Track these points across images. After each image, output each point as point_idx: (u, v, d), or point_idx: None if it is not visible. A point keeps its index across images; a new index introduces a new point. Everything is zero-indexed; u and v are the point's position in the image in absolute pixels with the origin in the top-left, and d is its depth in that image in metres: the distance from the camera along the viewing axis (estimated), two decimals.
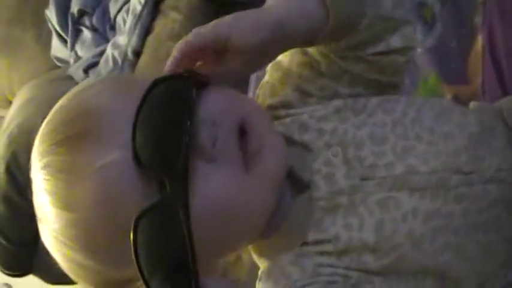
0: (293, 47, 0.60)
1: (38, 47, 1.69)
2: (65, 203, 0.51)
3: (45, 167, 0.52)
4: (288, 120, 0.62)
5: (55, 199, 0.51)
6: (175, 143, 0.49)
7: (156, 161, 0.49)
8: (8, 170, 1.24)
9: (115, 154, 0.49)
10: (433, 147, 0.59)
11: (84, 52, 1.44)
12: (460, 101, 0.78)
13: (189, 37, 0.55)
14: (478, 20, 1.01)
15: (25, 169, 1.22)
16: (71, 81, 1.41)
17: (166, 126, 0.50)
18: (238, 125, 0.53)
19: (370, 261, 0.56)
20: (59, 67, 1.61)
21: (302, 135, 0.61)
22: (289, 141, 0.61)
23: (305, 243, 0.58)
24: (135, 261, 0.49)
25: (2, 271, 1.30)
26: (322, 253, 0.57)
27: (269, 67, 0.66)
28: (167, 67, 0.55)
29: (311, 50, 0.62)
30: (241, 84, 0.68)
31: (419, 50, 1.05)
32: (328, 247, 0.57)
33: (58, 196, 0.51)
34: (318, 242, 0.57)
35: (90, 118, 0.51)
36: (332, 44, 0.59)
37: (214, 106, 0.53)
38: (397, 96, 0.65)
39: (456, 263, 0.56)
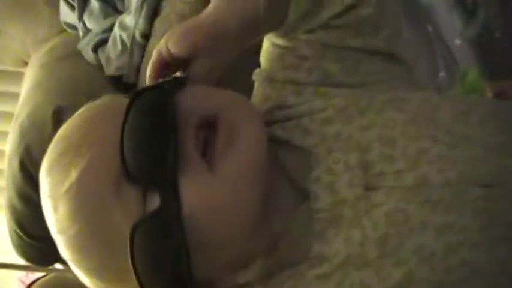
0: (245, 39, 0.59)
1: (49, 9, 1.60)
2: (56, 227, 0.53)
3: (43, 194, 0.56)
4: (290, 124, 0.59)
5: (51, 224, 0.54)
6: (162, 154, 0.50)
7: (145, 173, 0.50)
8: (23, 167, 1.20)
9: (98, 170, 0.51)
10: (450, 152, 0.53)
11: (93, 24, 1.34)
12: (507, 98, 0.69)
13: (152, 58, 0.59)
14: None
15: (39, 166, 1.19)
16: (80, 60, 1.33)
17: (150, 138, 0.51)
18: (201, 122, 0.52)
19: (372, 280, 0.51)
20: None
21: (304, 140, 0.57)
22: (290, 146, 0.57)
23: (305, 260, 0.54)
24: (134, 274, 0.50)
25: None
26: (319, 277, 0.53)
27: (254, 75, 0.65)
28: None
29: (280, 41, 0.62)
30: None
31: (458, 41, 0.93)
32: (326, 267, 0.53)
33: (51, 221, 0.54)
34: (321, 258, 0.53)
35: (76, 149, 0.53)
36: (286, 24, 0.59)
37: (185, 106, 0.52)
38: (408, 93, 0.59)
39: (472, 281, 0.51)
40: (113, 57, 1.23)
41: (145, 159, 0.50)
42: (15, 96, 1.67)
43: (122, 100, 0.56)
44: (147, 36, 1.19)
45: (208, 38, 0.56)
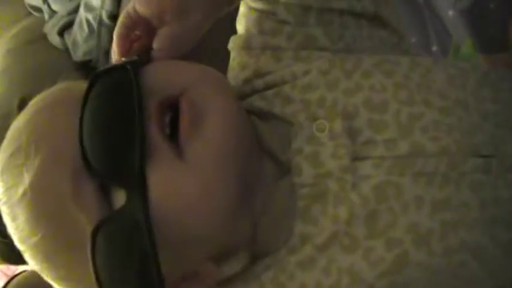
0: (218, 3, 0.54)
1: None
2: (17, 236, 0.49)
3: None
4: (269, 93, 0.53)
5: (12, 233, 0.49)
6: (126, 142, 0.45)
7: (108, 166, 0.45)
8: None
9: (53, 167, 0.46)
10: (445, 118, 0.48)
11: (58, 6, 1.26)
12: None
13: (117, 23, 0.54)
14: None
15: None
16: (46, 45, 1.25)
17: (111, 125, 0.46)
18: (165, 103, 0.47)
19: (362, 265, 0.46)
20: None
21: (284, 108, 0.52)
22: (271, 116, 0.53)
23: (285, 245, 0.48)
24: (95, 279, 0.45)
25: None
26: (302, 264, 0.48)
27: (230, 44, 0.60)
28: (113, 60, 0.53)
29: (258, 4, 0.57)
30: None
31: (450, 12, 0.86)
32: (309, 250, 0.47)
33: (12, 230, 0.49)
34: (303, 239, 0.48)
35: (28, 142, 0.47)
36: None
37: (147, 87, 0.47)
38: (398, 56, 0.55)
39: (473, 266, 0.46)
40: (79, 41, 1.16)
41: (108, 150, 0.45)
42: None
43: (79, 86, 0.50)
44: (115, 16, 1.11)
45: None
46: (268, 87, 0.54)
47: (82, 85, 0.50)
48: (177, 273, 0.48)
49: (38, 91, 1.15)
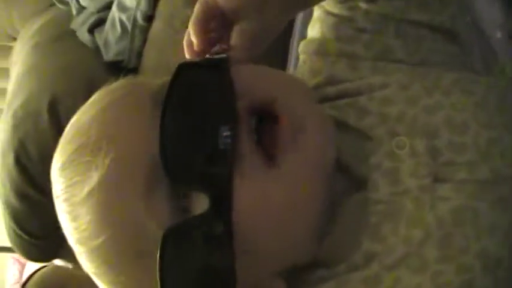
0: (293, 6, 0.52)
1: None
2: (75, 236, 0.46)
3: (56, 197, 0.48)
4: (342, 102, 0.52)
5: (69, 233, 0.47)
6: (215, 148, 0.42)
7: (192, 170, 0.43)
8: (18, 161, 1.12)
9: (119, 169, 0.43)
10: None
11: (87, 2, 1.23)
12: None
13: (194, 13, 0.50)
14: None
15: (35, 160, 1.10)
16: (75, 41, 1.23)
17: (199, 127, 0.43)
18: (255, 109, 0.45)
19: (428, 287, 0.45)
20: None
21: (360, 120, 0.50)
22: (343, 127, 0.51)
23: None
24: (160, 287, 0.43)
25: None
26: (366, 281, 0.46)
27: (300, 47, 0.58)
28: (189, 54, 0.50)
29: (336, 8, 0.55)
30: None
31: (499, 34, 0.85)
32: (375, 268, 0.46)
33: (69, 229, 0.47)
34: (370, 257, 0.46)
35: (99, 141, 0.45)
36: None
37: (237, 89, 0.45)
38: (473, 75, 0.55)
39: None
40: (111, 42, 1.14)
41: (192, 153, 0.43)
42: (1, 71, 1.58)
43: (146, 83, 0.48)
44: (149, 17, 1.10)
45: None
46: (340, 96, 0.53)
47: (152, 80, 0.48)
48: (246, 285, 0.46)
49: (68, 90, 1.15)
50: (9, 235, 1.19)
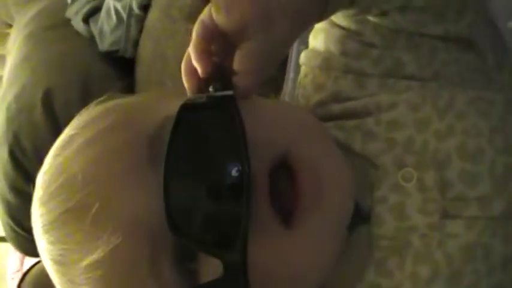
0: (309, 16, 0.45)
1: None
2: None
3: (43, 250, 0.45)
4: (349, 124, 0.48)
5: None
6: (229, 213, 0.37)
7: (205, 238, 0.38)
8: (12, 155, 1.09)
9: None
10: None
11: None
12: None
13: (193, 36, 0.43)
14: None
15: (30, 155, 1.08)
16: (69, 31, 1.19)
17: (209, 188, 0.38)
18: (273, 169, 0.40)
19: None
20: None
21: (366, 145, 0.47)
22: (348, 150, 0.48)
23: None
24: None
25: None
26: None
27: (302, 58, 0.54)
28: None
29: (343, 21, 0.50)
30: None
31: (510, 24, 0.81)
32: None
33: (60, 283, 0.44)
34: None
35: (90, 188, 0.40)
36: (360, 1, 0.46)
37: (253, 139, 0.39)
38: (490, 92, 0.49)
39: None
40: (106, 31, 1.10)
41: (204, 217, 0.38)
42: None
43: (137, 122, 0.43)
44: (145, 6, 1.06)
45: (260, 5, 0.41)
46: (347, 115, 0.49)
47: (144, 114, 0.42)
48: None
49: (62, 82, 1.11)
50: (6, 230, 1.17)
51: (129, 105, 0.46)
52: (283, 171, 0.40)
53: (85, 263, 0.40)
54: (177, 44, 0.97)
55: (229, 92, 0.41)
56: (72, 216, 0.41)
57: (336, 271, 0.45)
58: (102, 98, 0.47)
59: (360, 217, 0.46)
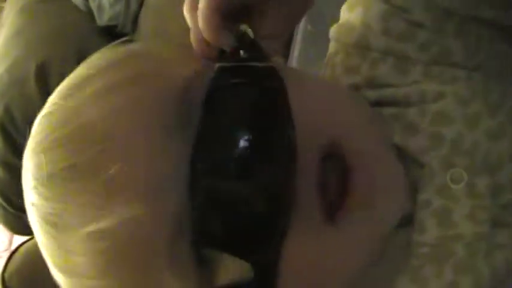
0: None
1: None
2: (60, 266, 0.37)
3: (32, 205, 0.38)
4: (386, 112, 0.43)
5: (48, 257, 0.38)
6: (267, 202, 0.33)
7: (233, 237, 0.34)
8: (3, 129, 1.06)
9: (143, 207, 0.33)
10: None
11: None
12: None
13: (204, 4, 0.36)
14: None
15: (21, 128, 1.05)
16: (65, 3, 1.16)
17: (246, 176, 0.33)
18: (325, 152, 0.35)
19: None
20: None
21: (407, 139, 0.42)
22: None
23: None
24: None
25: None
26: None
27: (333, 31, 0.48)
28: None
29: None
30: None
31: None
32: None
33: (50, 254, 0.38)
34: None
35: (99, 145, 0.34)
36: None
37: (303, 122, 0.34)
38: None
39: None
40: (105, 5, 1.07)
41: (236, 216, 0.33)
42: None
43: (163, 75, 0.36)
44: None
45: None
46: (383, 103, 0.44)
47: (170, 68, 0.37)
48: None
49: (57, 55, 1.08)
50: None
51: (159, 55, 0.40)
52: (331, 162, 0.36)
53: (87, 230, 0.34)
54: (181, 19, 0.94)
55: (269, 64, 0.36)
56: (80, 174, 0.34)
57: (367, 273, 0.41)
58: (123, 39, 0.42)
59: (401, 219, 0.41)
